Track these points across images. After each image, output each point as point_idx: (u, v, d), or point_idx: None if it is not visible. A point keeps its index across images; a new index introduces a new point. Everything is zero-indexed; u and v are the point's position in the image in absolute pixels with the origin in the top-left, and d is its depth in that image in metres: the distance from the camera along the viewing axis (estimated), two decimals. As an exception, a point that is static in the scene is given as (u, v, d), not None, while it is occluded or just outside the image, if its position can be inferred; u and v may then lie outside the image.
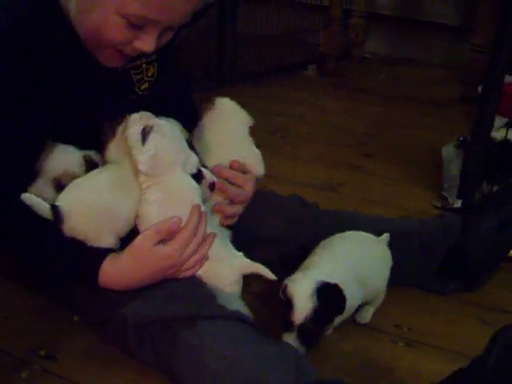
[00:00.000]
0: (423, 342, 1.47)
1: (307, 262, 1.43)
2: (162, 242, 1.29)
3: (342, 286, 1.32)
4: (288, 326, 1.30)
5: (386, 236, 1.54)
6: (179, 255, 1.30)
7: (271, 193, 1.66)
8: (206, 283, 1.36)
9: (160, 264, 1.29)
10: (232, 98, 1.57)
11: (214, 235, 1.37)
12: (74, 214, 1.28)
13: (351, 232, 1.51)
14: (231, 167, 1.48)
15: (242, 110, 1.56)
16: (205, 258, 1.35)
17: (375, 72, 3.77)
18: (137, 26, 1.25)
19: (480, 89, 2.40)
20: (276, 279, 1.36)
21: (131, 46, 1.29)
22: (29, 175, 1.32)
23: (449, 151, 2.27)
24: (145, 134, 1.28)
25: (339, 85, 3.49)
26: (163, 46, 1.34)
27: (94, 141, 1.39)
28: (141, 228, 1.32)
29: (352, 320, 1.50)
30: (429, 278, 1.63)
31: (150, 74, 1.48)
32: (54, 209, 1.27)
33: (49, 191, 1.34)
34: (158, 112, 1.36)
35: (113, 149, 1.37)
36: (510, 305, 1.63)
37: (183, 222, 1.30)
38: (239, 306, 1.39)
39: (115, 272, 1.29)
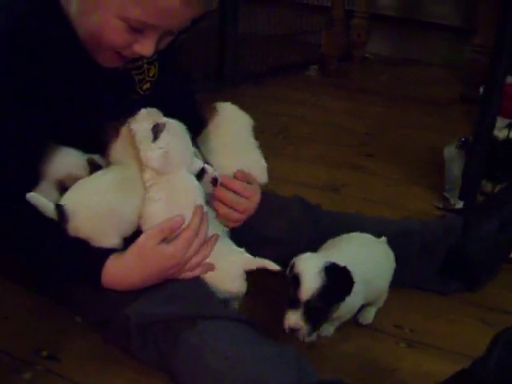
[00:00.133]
0: (425, 343, 1.47)
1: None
2: (165, 241, 1.30)
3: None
4: (294, 303, 1.29)
5: (383, 239, 1.54)
6: (182, 255, 1.30)
7: (273, 194, 1.66)
8: (207, 283, 1.36)
9: (163, 263, 1.29)
10: (233, 99, 1.57)
11: (217, 237, 1.37)
12: (79, 213, 1.29)
13: (356, 233, 1.52)
14: (236, 178, 1.47)
15: (243, 112, 1.56)
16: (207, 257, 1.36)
17: (377, 72, 3.77)
18: (137, 29, 1.25)
19: (481, 89, 2.40)
20: (281, 270, 1.36)
21: (130, 50, 1.30)
22: (29, 175, 1.32)
23: (450, 152, 2.27)
24: (156, 131, 1.29)
25: (341, 85, 3.50)
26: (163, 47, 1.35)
27: (94, 141, 1.39)
28: (144, 227, 1.32)
29: (354, 320, 1.50)
30: (430, 278, 1.63)
31: (151, 74, 1.48)
32: (59, 208, 1.28)
33: (52, 194, 1.34)
34: (161, 112, 1.37)
35: (116, 150, 1.37)
36: (511, 305, 1.63)
37: (186, 222, 1.30)
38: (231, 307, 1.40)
39: (118, 271, 1.29)
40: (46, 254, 1.32)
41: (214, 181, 1.42)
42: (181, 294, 1.30)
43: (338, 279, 1.30)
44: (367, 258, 1.45)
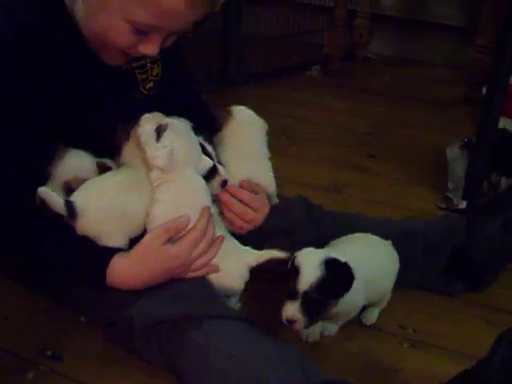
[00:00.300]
0: (428, 343, 1.47)
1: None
2: (171, 241, 1.30)
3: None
4: (292, 294, 1.29)
5: (388, 242, 1.54)
6: (187, 255, 1.30)
7: (278, 195, 1.66)
8: (212, 282, 1.36)
9: (168, 264, 1.30)
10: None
11: (223, 238, 1.37)
12: (88, 211, 1.29)
13: (360, 234, 1.52)
14: (241, 187, 1.47)
15: (258, 118, 1.56)
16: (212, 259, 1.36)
17: (379, 72, 3.77)
18: (142, 31, 1.27)
19: (484, 90, 2.40)
20: (288, 255, 1.37)
21: (135, 50, 1.31)
22: (29, 175, 1.32)
23: (453, 152, 2.27)
24: (160, 131, 1.29)
25: (343, 85, 3.50)
26: (168, 46, 1.35)
27: (105, 144, 1.39)
28: (149, 227, 1.33)
29: (357, 320, 1.50)
30: (434, 278, 1.63)
31: (154, 74, 1.49)
32: (69, 204, 1.28)
33: (59, 196, 1.34)
34: (166, 111, 1.37)
35: (127, 152, 1.38)
36: (516, 306, 1.63)
37: (192, 223, 1.30)
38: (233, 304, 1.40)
39: (122, 271, 1.29)
40: (50, 253, 1.32)
41: (224, 183, 1.42)
42: (187, 294, 1.30)
43: (337, 273, 1.30)
44: (371, 258, 1.45)
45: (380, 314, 1.52)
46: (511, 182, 2.07)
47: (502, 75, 1.99)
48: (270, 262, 1.42)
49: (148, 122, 1.31)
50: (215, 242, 1.35)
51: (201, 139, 1.41)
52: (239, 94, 3.13)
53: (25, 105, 1.29)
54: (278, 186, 1.57)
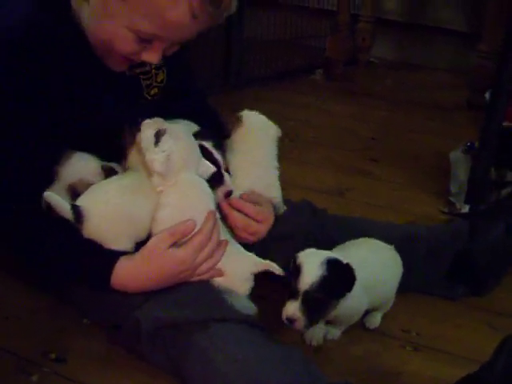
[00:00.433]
0: (431, 347, 1.47)
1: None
2: (176, 245, 1.30)
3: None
4: (293, 293, 1.29)
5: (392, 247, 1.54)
6: (192, 260, 1.30)
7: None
8: (217, 285, 1.36)
9: (173, 267, 1.30)
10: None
11: (227, 242, 1.37)
12: (95, 216, 1.29)
13: (365, 239, 1.52)
14: (242, 198, 1.46)
15: (269, 124, 1.55)
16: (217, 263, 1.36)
17: (382, 77, 3.78)
18: (145, 40, 1.28)
19: (487, 95, 2.41)
20: (284, 275, 1.37)
21: (138, 56, 1.33)
22: (30, 175, 1.32)
23: (456, 156, 2.27)
24: (158, 136, 1.30)
25: (346, 89, 3.50)
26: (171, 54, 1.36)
27: (98, 143, 1.39)
28: (155, 231, 1.32)
29: (361, 324, 1.50)
30: (437, 283, 1.63)
31: (159, 80, 1.49)
32: (75, 209, 1.28)
33: (64, 198, 1.33)
34: (170, 117, 1.37)
35: (133, 155, 1.38)
36: (519, 310, 1.63)
37: (197, 227, 1.31)
38: (246, 303, 1.40)
39: (128, 274, 1.30)
40: (54, 254, 1.32)
41: (228, 194, 1.42)
42: (192, 298, 1.30)
43: (339, 274, 1.31)
44: (374, 263, 1.45)
45: (383, 318, 1.53)
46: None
47: (506, 80, 1.99)
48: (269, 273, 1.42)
49: (148, 128, 1.31)
50: (220, 245, 1.35)
51: (210, 145, 1.41)
52: (242, 97, 3.13)
53: (25, 105, 1.29)
54: (282, 189, 1.57)
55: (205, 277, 1.35)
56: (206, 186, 1.36)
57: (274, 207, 1.52)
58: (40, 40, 1.28)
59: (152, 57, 1.32)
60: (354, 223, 1.69)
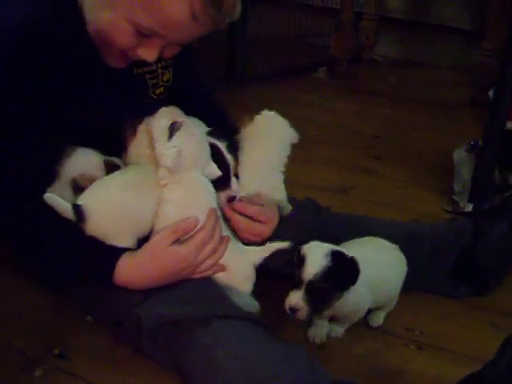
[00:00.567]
0: (435, 346, 1.47)
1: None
2: (179, 242, 1.30)
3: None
4: (296, 283, 1.30)
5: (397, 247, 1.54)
6: (194, 257, 1.31)
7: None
8: (219, 283, 1.37)
9: (175, 264, 1.30)
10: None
11: (228, 239, 1.38)
12: (97, 214, 1.29)
13: (369, 237, 1.52)
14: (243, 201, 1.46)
15: (285, 126, 1.54)
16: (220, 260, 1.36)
17: (385, 75, 3.77)
18: (144, 34, 1.27)
19: (491, 93, 2.40)
20: (290, 244, 1.38)
21: (134, 52, 1.31)
22: (30, 175, 1.32)
23: (460, 155, 2.27)
24: (173, 129, 1.29)
25: (349, 87, 3.50)
26: (180, 52, 1.35)
27: (99, 141, 1.39)
28: (157, 227, 1.33)
29: (364, 322, 1.50)
30: (440, 281, 1.63)
31: (165, 79, 1.49)
32: (76, 208, 1.28)
33: (66, 193, 1.34)
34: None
35: (133, 149, 1.38)
36: (521, 309, 1.63)
37: (199, 224, 1.31)
38: (248, 300, 1.40)
39: (130, 271, 1.30)
40: (56, 252, 1.33)
41: (231, 199, 1.42)
42: (194, 295, 1.30)
43: (343, 265, 1.31)
44: (379, 261, 1.45)
45: (386, 317, 1.53)
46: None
47: (509, 78, 1.99)
48: (274, 259, 1.42)
49: (164, 117, 1.31)
50: (222, 242, 1.36)
51: (223, 146, 1.40)
52: (245, 94, 3.13)
53: (25, 105, 1.29)
54: (286, 188, 1.57)
55: (207, 274, 1.35)
56: (209, 185, 1.36)
57: (279, 208, 1.51)
58: (40, 40, 1.27)
59: (148, 53, 1.31)
60: (357, 221, 1.70)
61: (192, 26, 1.25)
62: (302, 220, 1.58)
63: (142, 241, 1.33)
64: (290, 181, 1.58)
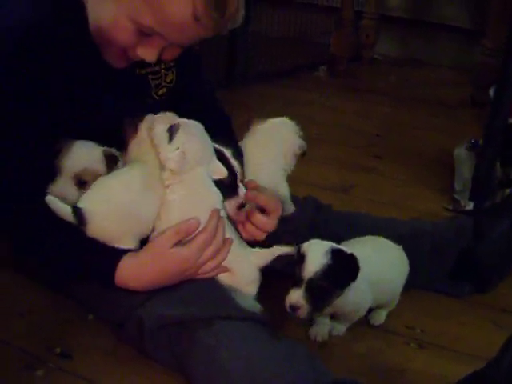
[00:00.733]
0: (436, 344, 1.47)
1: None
2: (180, 243, 1.29)
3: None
4: (297, 281, 1.30)
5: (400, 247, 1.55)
6: (196, 258, 1.30)
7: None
8: (222, 284, 1.36)
9: (177, 266, 1.29)
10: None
11: (231, 240, 1.37)
12: (98, 216, 1.29)
13: (371, 237, 1.52)
14: (246, 185, 1.44)
15: (293, 134, 1.56)
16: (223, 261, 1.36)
17: (385, 73, 3.78)
18: (145, 33, 1.27)
19: (491, 92, 2.40)
20: (295, 249, 1.37)
21: (134, 51, 1.31)
22: (30, 175, 1.32)
23: (461, 154, 2.27)
24: (172, 132, 1.29)
25: (349, 86, 3.51)
26: (183, 52, 1.35)
27: (99, 140, 1.39)
28: (158, 227, 1.33)
29: (365, 321, 1.50)
30: (441, 280, 1.63)
31: (168, 80, 1.49)
32: (77, 212, 1.28)
33: (70, 188, 1.34)
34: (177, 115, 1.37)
35: (134, 147, 1.37)
36: (523, 307, 1.63)
37: (202, 225, 1.30)
38: (252, 301, 1.40)
39: (132, 272, 1.29)
40: (56, 254, 1.33)
41: (240, 206, 1.41)
42: (197, 296, 1.30)
43: (343, 263, 1.31)
44: (380, 260, 1.45)
45: (387, 315, 1.53)
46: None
47: (510, 77, 1.99)
48: (279, 261, 1.42)
49: (160, 123, 1.31)
50: (225, 244, 1.35)
51: (229, 153, 1.39)
52: (246, 94, 3.13)
53: (25, 105, 1.29)
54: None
55: (210, 275, 1.34)
56: (212, 185, 1.35)
57: (282, 204, 1.51)
58: (40, 40, 1.27)
59: (148, 53, 1.30)
60: (358, 219, 1.70)
61: (193, 28, 1.24)
62: (303, 217, 1.58)
63: (143, 241, 1.33)
64: (290, 179, 1.59)
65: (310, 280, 1.29)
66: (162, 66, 1.47)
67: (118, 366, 1.33)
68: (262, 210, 1.44)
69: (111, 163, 1.37)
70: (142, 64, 1.39)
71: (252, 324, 1.25)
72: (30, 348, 1.36)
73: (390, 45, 4.03)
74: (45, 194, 1.29)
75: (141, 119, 1.35)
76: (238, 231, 1.43)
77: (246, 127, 1.56)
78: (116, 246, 1.31)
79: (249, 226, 1.42)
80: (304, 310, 1.29)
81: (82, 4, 1.31)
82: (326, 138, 2.72)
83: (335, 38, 3.64)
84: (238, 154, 1.43)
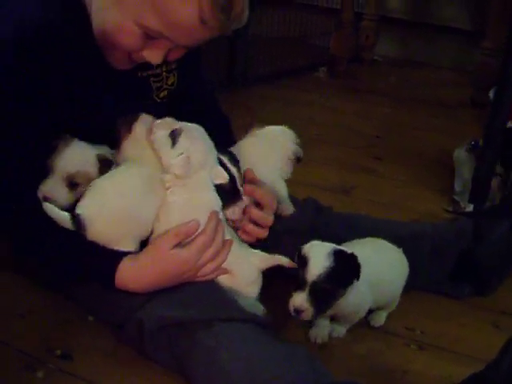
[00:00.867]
0: (436, 345, 1.47)
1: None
2: (180, 245, 1.29)
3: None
4: (300, 284, 1.30)
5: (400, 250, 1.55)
6: (196, 260, 1.30)
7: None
8: (223, 285, 1.36)
9: (177, 268, 1.29)
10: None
11: (231, 242, 1.37)
12: (97, 222, 1.29)
13: (371, 238, 1.53)
14: (245, 175, 1.45)
15: (288, 141, 1.56)
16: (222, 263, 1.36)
17: (385, 74, 3.78)
18: (150, 37, 1.26)
19: (491, 93, 2.40)
20: (296, 266, 1.36)
21: (139, 54, 1.31)
22: (30, 175, 1.32)
23: (460, 155, 2.27)
24: (174, 136, 1.29)
25: (349, 87, 3.51)
26: (185, 55, 1.35)
27: (97, 140, 1.39)
28: (157, 229, 1.32)
29: (365, 323, 1.51)
30: (441, 281, 1.63)
31: (169, 83, 1.49)
32: (75, 218, 1.28)
33: (60, 188, 1.33)
34: (178, 120, 1.36)
35: (128, 146, 1.36)
36: (523, 309, 1.63)
37: (201, 228, 1.30)
38: (254, 303, 1.40)
39: (131, 274, 1.29)
40: (56, 255, 1.33)
41: (245, 210, 1.41)
42: (197, 298, 1.30)
43: (345, 263, 1.31)
44: (380, 261, 1.45)
45: (388, 317, 1.53)
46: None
47: (510, 78, 1.99)
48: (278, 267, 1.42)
49: (161, 128, 1.30)
50: (225, 246, 1.35)
51: (226, 159, 1.39)
52: (246, 95, 3.14)
53: (25, 105, 1.28)
54: (287, 187, 1.57)
55: (209, 277, 1.34)
56: (212, 188, 1.34)
57: (279, 203, 1.51)
58: (40, 40, 1.26)
59: (154, 56, 1.30)
60: (359, 221, 1.70)
61: (200, 30, 1.23)
62: (304, 219, 1.58)
63: (144, 242, 1.33)
64: (290, 180, 1.59)
65: (314, 283, 1.29)
66: (164, 69, 1.46)
67: (118, 367, 1.33)
68: (257, 205, 1.44)
69: (104, 167, 1.36)
70: (144, 66, 1.39)
71: (252, 326, 1.25)
72: (30, 349, 1.36)
73: (389, 46, 4.04)
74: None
75: (135, 118, 1.35)
76: (237, 235, 1.43)
77: (244, 132, 1.56)
78: (116, 248, 1.31)
79: (248, 227, 1.42)
80: (308, 313, 1.29)
81: (83, 5, 1.30)
82: (325, 138, 2.72)
83: (335, 39, 3.64)
84: (234, 160, 1.42)
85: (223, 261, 1.35)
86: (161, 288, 1.30)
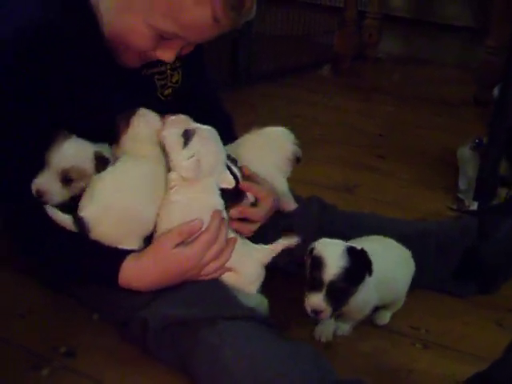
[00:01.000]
0: (440, 344, 1.47)
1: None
2: (183, 244, 1.29)
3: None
4: (316, 285, 1.30)
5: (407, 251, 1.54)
6: (199, 259, 1.30)
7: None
8: (226, 284, 1.36)
9: (180, 266, 1.29)
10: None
11: (235, 240, 1.36)
12: (100, 223, 1.28)
13: (377, 236, 1.52)
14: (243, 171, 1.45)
15: (287, 142, 1.56)
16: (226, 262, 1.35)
17: (389, 72, 3.78)
18: (163, 38, 1.27)
19: (495, 91, 2.40)
20: (298, 240, 1.38)
21: (152, 53, 1.32)
22: (30, 175, 1.31)
23: (465, 153, 2.27)
24: (187, 137, 1.28)
25: (353, 84, 3.51)
26: (190, 53, 1.36)
27: (99, 140, 1.39)
28: (160, 228, 1.32)
29: (370, 321, 1.50)
30: (445, 279, 1.63)
31: (174, 80, 1.49)
32: (78, 221, 1.28)
33: (54, 183, 1.32)
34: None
35: (127, 141, 1.36)
36: (527, 308, 1.63)
37: (205, 226, 1.30)
38: (258, 300, 1.40)
39: (135, 273, 1.29)
40: (58, 255, 1.33)
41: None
42: (200, 296, 1.30)
43: (358, 260, 1.31)
44: (386, 259, 1.44)
45: (392, 315, 1.53)
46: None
47: (514, 76, 1.98)
48: (281, 258, 1.42)
49: (173, 126, 1.29)
50: (228, 244, 1.35)
51: (228, 162, 1.38)
52: (249, 93, 3.14)
53: (25, 105, 1.28)
54: (291, 186, 1.57)
55: (213, 276, 1.34)
56: (216, 187, 1.34)
57: (278, 199, 1.51)
58: (40, 40, 1.26)
59: (167, 54, 1.31)
60: (364, 219, 1.69)
61: (213, 28, 1.25)
62: (308, 217, 1.58)
63: (147, 239, 1.33)
64: (293, 179, 1.59)
65: (332, 283, 1.29)
66: (168, 67, 1.47)
67: (121, 365, 1.33)
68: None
69: (100, 165, 1.35)
70: (148, 64, 1.39)
71: (256, 324, 1.25)
72: (35, 347, 1.36)
73: (393, 43, 4.04)
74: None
75: (133, 113, 1.35)
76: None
77: (246, 131, 1.56)
78: (120, 247, 1.31)
79: (233, 224, 1.41)
80: (327, 313, 1.30)
81: (89, 5, 1.31)
82: (329, 137, 2.72)
83: (338, 38, 3.64)
84: (232, 160, 1.42)
85: (227, 260, 1.34)
86: (164, 286, 1.30)
